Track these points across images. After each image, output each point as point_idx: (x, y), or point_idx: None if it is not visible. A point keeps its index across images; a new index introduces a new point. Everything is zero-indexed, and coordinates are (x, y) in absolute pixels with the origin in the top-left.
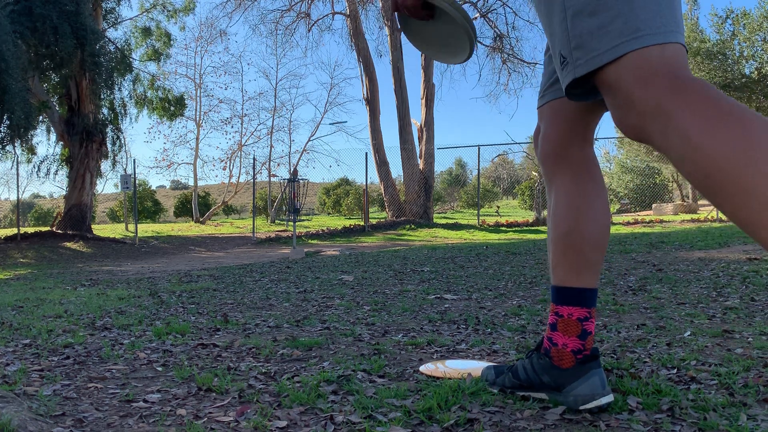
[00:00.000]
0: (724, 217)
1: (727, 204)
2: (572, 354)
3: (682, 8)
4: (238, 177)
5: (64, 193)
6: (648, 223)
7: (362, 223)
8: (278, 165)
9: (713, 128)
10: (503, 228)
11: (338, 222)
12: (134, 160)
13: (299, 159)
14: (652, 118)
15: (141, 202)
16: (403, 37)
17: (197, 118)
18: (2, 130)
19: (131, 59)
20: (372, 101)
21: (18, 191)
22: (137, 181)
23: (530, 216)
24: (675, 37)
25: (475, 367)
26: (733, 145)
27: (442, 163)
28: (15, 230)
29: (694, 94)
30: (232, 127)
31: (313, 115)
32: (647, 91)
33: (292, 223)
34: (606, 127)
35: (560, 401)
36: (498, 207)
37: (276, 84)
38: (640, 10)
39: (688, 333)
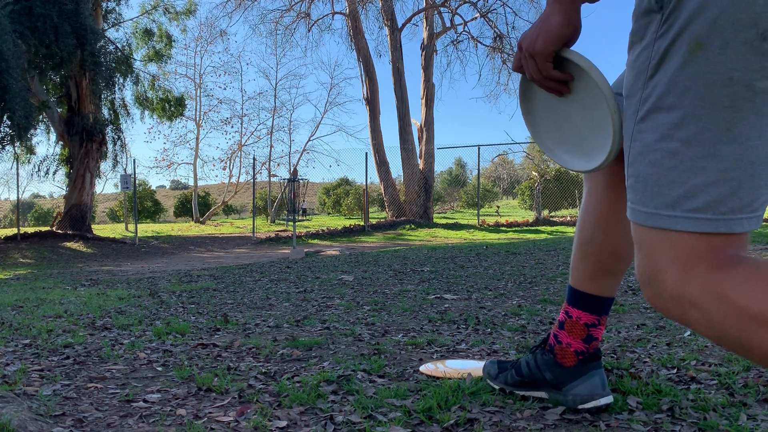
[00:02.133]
0: None
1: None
2: (575, 354)
3: None
4: (238, 177)
5: (64, 193)
6: None
7: (362, 223)
8: (278, 165)
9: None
10: (503, 228)
11: (338, 222)
12: (134, 160)
13: (299, 159)
14: (692, 307)
15: (141, 202)
16: (403, 37)
17: (197, 118)
18: (2, 130)
19: (132, 59)
20: (372, 101)
21: (18, 191)
22: (137, 181)
23: (530, 216)
24: (746, 226)
25: (475, 367)
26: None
27: (442, 163)
28: (15, 230)
29: (743, 269)
30: (232, 127)
31: (313, 115)
32: (685, 278)
33: (292, 223)
34: None
35: (559, 400)
36: (498, 207)
37: (276, 84)
38: (724, 177)
39: (688, 333)
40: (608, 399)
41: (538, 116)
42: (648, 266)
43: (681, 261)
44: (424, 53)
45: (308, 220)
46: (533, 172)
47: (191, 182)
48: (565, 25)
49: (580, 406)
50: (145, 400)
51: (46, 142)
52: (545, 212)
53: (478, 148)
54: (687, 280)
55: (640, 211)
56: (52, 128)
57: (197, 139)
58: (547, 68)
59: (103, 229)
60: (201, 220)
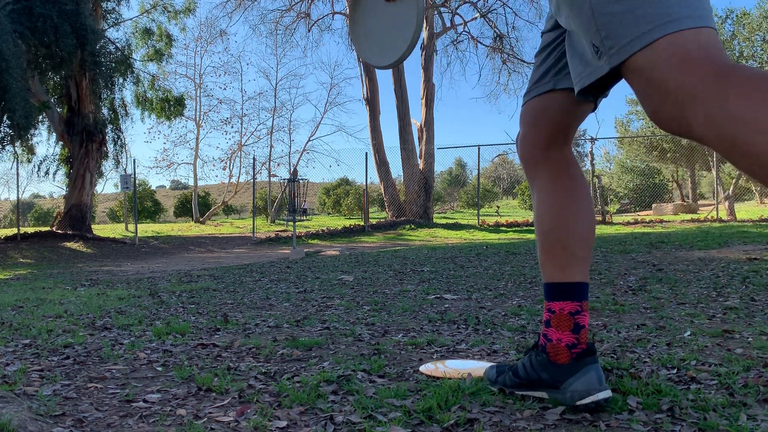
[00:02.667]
0: (724, 217)
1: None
2: (567, 349)
3: None
4: (238, 177)
5: (64, 193)
6: (648, 223)
7: (362, 223)
8: (278, 165)
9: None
10: (503, 228)
11: (338, 222)
12: (134, 160)
13: (299, 159)
14: (693, 107)
15: (141, 202)
16: None
17: (197, 118)
18: (2, 130)
19: (132, 59)
20: (372, 101)
21: (18, 191)
22: (137, 181)
23: (530, 216)
24: (708, 21)
25: (475, 367)
26: None
27: (442, 163)
28: (15, 230)
29: (738, 76)
30: (232, 127)
31: (313, 115)
32: (686, 78)
33: (292, 223)
34: (606, 127)
35: (558, 399)
36: (498, 207)
37: (276, 84)
38: None
39: (688, 333)
40: (606, 393)
41: (359, 23)
42: (652, 85)
43: (679, 65)
44: (424, 53)
45: (308, 220)
46: None
47: (191, 182)
48: None
49: (578, 402)
50: (145, 400)
51: (46, 142)
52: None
53: (478, 148)
54: (688, 83)
55: (633, 40)
56: (52, 128)
57: (197, 139)
58: None
59: (103, 229)
60: (201, 220)
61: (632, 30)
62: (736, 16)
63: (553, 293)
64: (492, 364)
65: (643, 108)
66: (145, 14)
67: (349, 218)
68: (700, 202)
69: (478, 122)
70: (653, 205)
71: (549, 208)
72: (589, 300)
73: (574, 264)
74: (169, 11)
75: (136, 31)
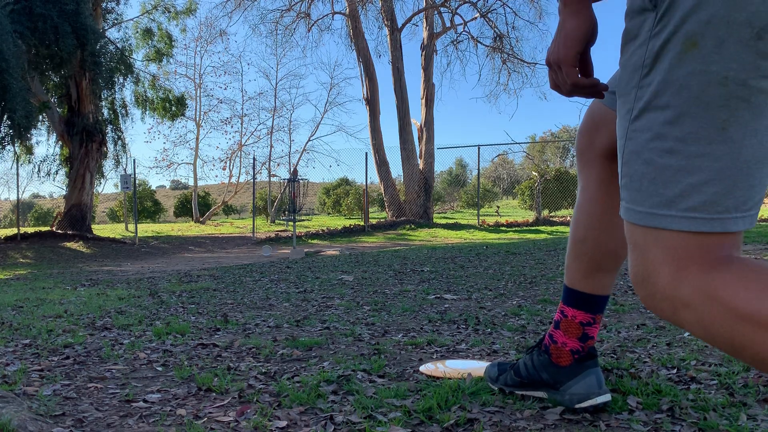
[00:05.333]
0: None
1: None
2: (570, 353)
3: None
4: (238, 177)
5: (64, 193)
6: None
7: (362, 223)
8: (278, 165)
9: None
10: (503, 228)
11: (338, 222)
12: (134, 160)
13: (299, 159)
14: (684, 307)
15: (141, 202)
16: (403, 37)
17: (197, 118)
18: (2, 130)
19: (132, 59)
20: (372, 101)
21: (18, 191)
22: (137, 181)
23: (530, 216)
24: (741, 225)
25: (475, 367)
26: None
27: (442, 163)
28: (15, 230)
29: (736, 269)
30: (232, 127)
31: (313, 115)
32: (679, 277)
33: (292, 223)
34: None
35: (557, 400)
36: (498, 207)
37: (276, 84)
38: (721, 175)
39: (688, 333)
40: (605, 397)
41: None
42: (641, 266)
43: (674, 261)
44: (424, 53)
45: (308, 220)
46: (533, 172)
47: (191, 182)
48: (581, 26)
49: (577, 406)
50: (145, 400)
51: (46, 142)
52: (545, 212)
53: (478, 148)
54: (680, 281)
55: (635, 211)
56: (52, 128)
57: (197, 139)
58: (573, 74)
59: (103, 229)
60: (201, 220)
61: (637, 195)
62: None
63: (570, 298)
64: (494, 362)
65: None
66: (145, 14)
67: (349, 218)
68: None
69: (478, 122)
70: None
71: (587, 216)
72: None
73: (598, 277)
74: (170, 11)
75: (137, 31)
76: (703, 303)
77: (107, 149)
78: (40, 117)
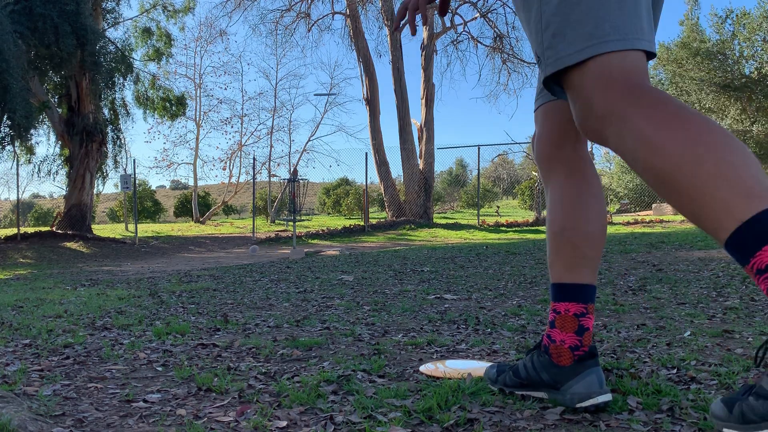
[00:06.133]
0: None
1: (675, 198)
2: (570, 351)
3: (682, 8)
4: (238, 177)
5: (64, 193)
6: (648, 223)
7: (362, 223)
8: (278, 165)
9: (664, 130)
10: (503, 228)
11: (338, 222)
12: (134, 160)
13: (299, 159)
14: (609, 122)
15: (141, 202)
16: (403, 37)
17: (197, 118)
18: (2, 130)
19: (132, 59)
20: (372, 101)
21: (18, 191)
22: (137, 181)
23: (530, 216)
24: (637, 44)
25: (475, 367)
26: (682, 146)
27: (442, 163)
28: (15, 230)
29: (646, 99)
30: (232, 127)
31: (313, 115)
32: (605, 97)
33: (292, 223)
34: None
35: (558, 400)
36: (498, 207)
37: (276, 84)
38: (605, 16)
39: (688, 333)
40: (606, 397)
41: None
42: (580, 99)
43: (602, 85)
44: (424, 53)
45: (308, 220)
46: (533, 172)
47: (191, 182)
48: None
49: (578, 405)
50: (145, 400)
51: (46, 142)
52: (545, 212)
53: (478, 148)
54: (607, 101)
55: (567, 56)
56: (52, 128)
57: (197, 139)
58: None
59: (103, 229)
60: (201, 220)
61: (568, 47)
62: (736, 16)
63: (559, 293)
64: (492, 363)
65: (573, 118)
66: (144, 14)
67: (349, 218)
68: None
69: (478, 122)
70: (653, 205)
71: (560, 208)
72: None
73: (582, 265)
74: (169, 10)
75: (136, 31)
76: (621, 122)
77: (107, 149)
78: (40, 117)
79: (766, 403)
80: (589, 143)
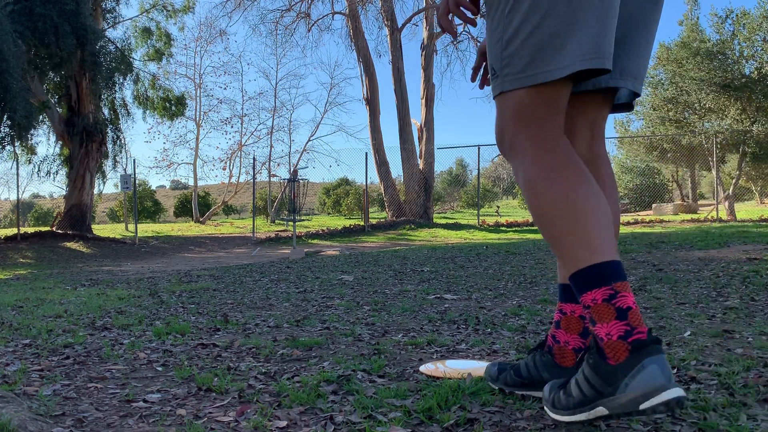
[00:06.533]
0: (724, 217)
1: (543, 233)
2: (573, 353)
3: (682, 8)
4: (238, 177)
5: (64, 193)
6: (648, 223)
7: (362, 223)
8: (278, 165)
9: (543, 180)
10: (503, 228)
11: (338, 222)
12: (134, 160)
13: (299, 159)
14: (514, 155)
15: (141, 202)
16: (403, 37)
17: (197, 118)
18: (2, 130)
19: (131, 59)
20: (372, 101)
21: (18, 191)
22: (137, 181)
23: (530, 216)
24: (557, 73)
25: (475, 367)
26: (553, 198)
27: (442, 163)
28: (15, 230)
29: (540, 143)
30: (232, 127)
31: (313, 115)
32: (514, 131)
33: (292, 223)
34: (606, 127)
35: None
36: (498, 207)
37: (276, 84)
38: (537, 46)
39: (688, 333)
40: None
41: None
42: (498, 125)
43: (513, 117)
44: (424, 53)
45: (308, 220)
46: None
47: (191, 182)
48: None
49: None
50: (145, 400)
51: (46, 142)
52: None
53: (478, 148)
54: (515, 137)
55: (495, 86)
56: (52, 128)
57: (197, 139)
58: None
59: (103, 229)
60: (201, 220)
61: (508, 73)
62: (736, 16)
63: (565, 294)
64: (494, 361)
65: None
66: (144, 14)
67: (349, 218)
68: (700, 202)
69: (478, 122)
70: (653, 205)
71: None
72: None
73: None
74: (168, 10)
75: (136, 31)
76: (520, 159)
77: (107, 149)
78: (40, 117)
79: (569, 399)
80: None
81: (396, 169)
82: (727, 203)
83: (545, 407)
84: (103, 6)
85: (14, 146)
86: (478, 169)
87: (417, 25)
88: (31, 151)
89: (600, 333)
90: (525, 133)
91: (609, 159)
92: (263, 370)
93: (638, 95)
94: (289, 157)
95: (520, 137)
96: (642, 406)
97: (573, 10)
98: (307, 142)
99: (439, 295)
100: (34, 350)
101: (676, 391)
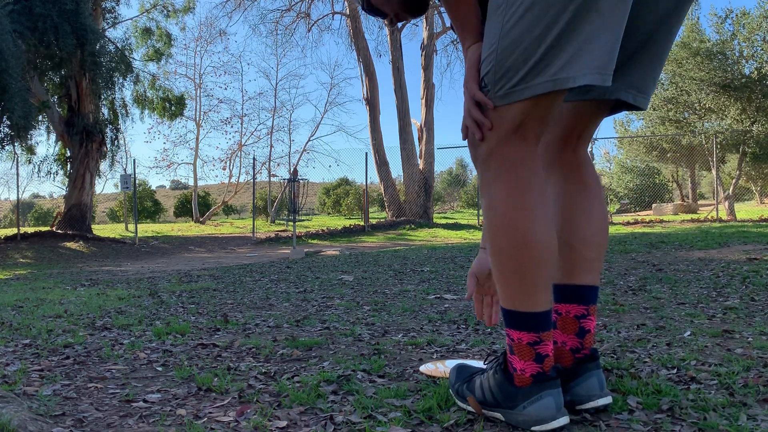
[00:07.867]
0: (724, 217)
1: (496, 265)
2: (570, 353)
3: None
4: (238, 177)
5: (64, 193)
6: (648, 223)
7: (362, 223)
8: (278, 165)
9: (513, 218)
10: None
11: (338, 222)
12: (134, 160)
13: (299, 159)
14: (485, 168)
15: (141, 202)
16: (404, 37)
17: (197, 118)
18: (2, 130)
19: (131, 59)
20: (372, 101)
21: (18, 191)
22: (137, 181)
23: None
24: (518, 96)
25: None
26: (519, 238)
27: (442, 163)
28: (15, 230)
29: (503, 159)
30: (232, 127)
31: (313, 115)
32: (492, 151)
33: (292, 223)
34: (606, 127)
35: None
36: None
37: (276, 84)
38: (518, 58)
39: (688, 333)
40: (607, 399)
41: None
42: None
43: (496, 137)
44: (424, 53)
45: (308, 220)
46: None
47: (191, 182)
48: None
49: (578, 408)
50: (145, 400)
51: (46, 142)
52: None
53: None
54: (490, 147)
55: (495, 96)
56: (52, 128)
57: (197, 139)
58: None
59: (103, 229)
60: (201, 220)
61: (495, 86)
62: (736, 16)
63: (560, 295)
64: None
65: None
66: (144, 14)
67: (349, 218)
68: (700, 202)
69: None
70: (653, 205)
71: (560, 214)
72: (597, 303)
73: (582, 269)
74: (169, 10)
75: (136, 31)
76: (488, 178)
77: (107, 149)
78: (40, 117)
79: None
80: (588, 145)
81: (396, 169)
82: (727, 203)
83: (450, 390)
84: (103, 6)
85: (14, 146)
86: None
87: (417, 25)
88: (31, 151)
89: (515, 364)
90: (494, 160)
91: (590, 158)
92: (263, 370)
93: (642, 109)
94: (289, 157)
95: (501, 155)
96: (533, 428)
97: (584, 23)
98: (307, 142)
99: (439, 295)
100: (34, 350)
101: (563, 420)
